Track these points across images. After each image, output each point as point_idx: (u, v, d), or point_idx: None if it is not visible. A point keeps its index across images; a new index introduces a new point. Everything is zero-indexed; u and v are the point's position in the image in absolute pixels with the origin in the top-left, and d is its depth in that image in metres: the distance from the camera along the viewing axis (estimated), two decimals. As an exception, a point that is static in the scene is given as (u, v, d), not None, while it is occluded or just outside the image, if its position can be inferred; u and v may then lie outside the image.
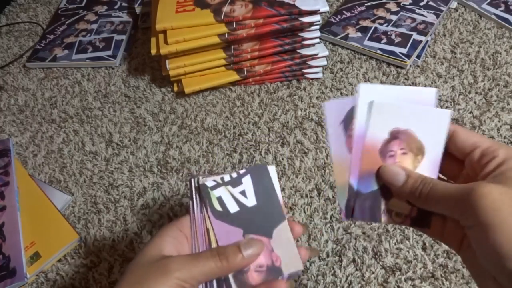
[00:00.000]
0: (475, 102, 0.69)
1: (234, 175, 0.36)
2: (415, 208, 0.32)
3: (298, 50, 0.73)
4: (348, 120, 0.33)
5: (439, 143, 0.32)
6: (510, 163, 0.28)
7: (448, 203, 0.29)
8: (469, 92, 0.70)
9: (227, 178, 0.36)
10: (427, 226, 0.33)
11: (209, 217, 0.34)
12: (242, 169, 0.36)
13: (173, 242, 0.32)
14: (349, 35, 0.79)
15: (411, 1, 0.84)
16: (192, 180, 0.35)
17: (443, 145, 0.32)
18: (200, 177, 0.35)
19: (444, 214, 0.31)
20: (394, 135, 0.33)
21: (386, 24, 0.80)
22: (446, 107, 0.68)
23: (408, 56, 0.74)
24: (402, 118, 0.33)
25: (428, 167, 0.32)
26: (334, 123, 0.33)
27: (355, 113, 0.33)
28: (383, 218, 0.33)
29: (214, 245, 0.34)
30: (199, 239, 0.34)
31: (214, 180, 0.35)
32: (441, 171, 0.33)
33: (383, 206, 0.33)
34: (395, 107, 0.33)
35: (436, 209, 0.30)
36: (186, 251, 0.33)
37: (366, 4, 0.85)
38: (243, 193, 0.35)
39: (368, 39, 0.78)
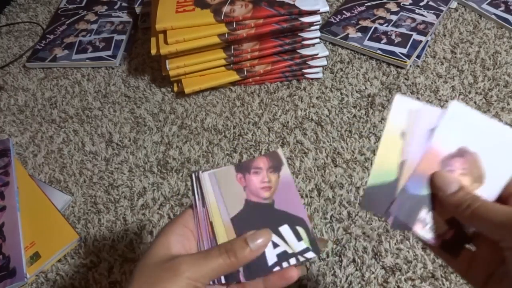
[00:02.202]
0: (475, 102, 0.69)
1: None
2: (451, 231, 0.31)
3: (298, 50, 0.73)
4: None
5: (501, 180, 0.31)
6: None
7: (494, 222, 0.28)
8: (469, 92, 0.70)
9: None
10: (456, 254, 0.31)
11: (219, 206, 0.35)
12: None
13: (179, 239, 0.32)
14: (349, 35, 0.79)
15: (411, 1, 0.84)
16: (193, 174, 0.35)
17: (504, 184, 0.31)
18: (201, 172, 0.35)
19: (479, 236, 0.31)
20: (461, 153, 0.32)
21: (386, 24, 0.80)
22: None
23: (408, 56, 0.74)
24: (476, 140, 0.31)
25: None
26: (422, 128, 0.33)
27: (438, 125, 0.32)
28: (416, 226, 0.32)
29: (219, 238, 0.34)
30: (203, 233, 0.34)
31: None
32: None
33: (421, 214, 0.32)
34: (475, 128, 0.32)
35: (478, 226, 0.30)
36: (193, 247, 0.33)
37: (366, 4, 0.85)
38: None
39: (368, 39, 0.78)
